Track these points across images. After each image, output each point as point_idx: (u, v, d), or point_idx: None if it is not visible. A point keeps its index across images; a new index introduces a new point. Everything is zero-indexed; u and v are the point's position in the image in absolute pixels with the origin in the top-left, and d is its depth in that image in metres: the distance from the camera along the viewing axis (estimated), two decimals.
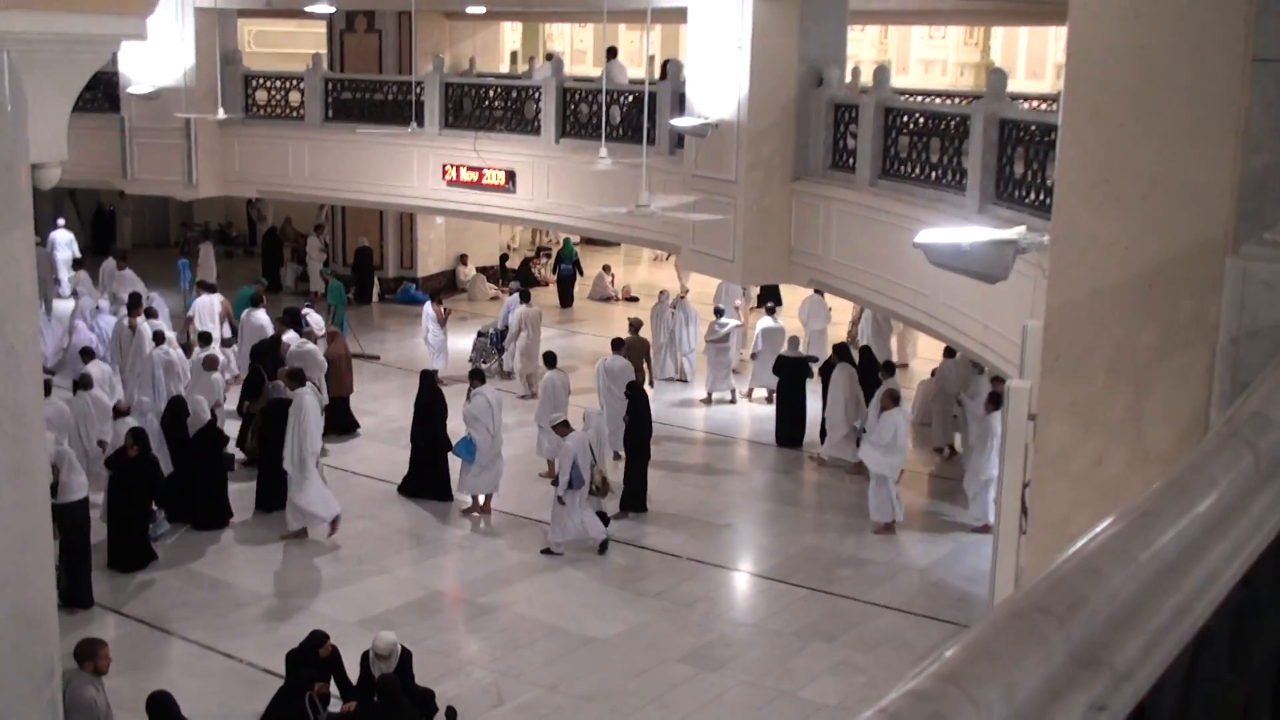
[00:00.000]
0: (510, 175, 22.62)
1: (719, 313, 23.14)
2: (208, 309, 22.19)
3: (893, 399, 16.68)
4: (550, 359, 18.09)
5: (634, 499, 16.70)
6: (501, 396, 17.39)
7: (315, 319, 21.86)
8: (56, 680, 9.06)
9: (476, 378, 17.25)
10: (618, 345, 18.90)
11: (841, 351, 19.35)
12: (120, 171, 25.82)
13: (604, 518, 15.71)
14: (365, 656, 11.39)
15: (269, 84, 25.90)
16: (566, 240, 30.37)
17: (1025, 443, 7.32)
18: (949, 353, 19.55)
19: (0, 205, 8.31)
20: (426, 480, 17.17)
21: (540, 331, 22.49)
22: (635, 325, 20.91)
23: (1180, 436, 5.76)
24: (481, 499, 16.81)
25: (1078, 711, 1.30)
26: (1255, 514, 2.04)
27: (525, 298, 23.36)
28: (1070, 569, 1.45)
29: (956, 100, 21.06)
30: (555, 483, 15.53)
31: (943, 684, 1.25)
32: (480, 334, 24.20)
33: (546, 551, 15.39)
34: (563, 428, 15.53)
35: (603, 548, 15.45)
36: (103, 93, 25.36)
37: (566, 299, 29.90)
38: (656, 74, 21.32)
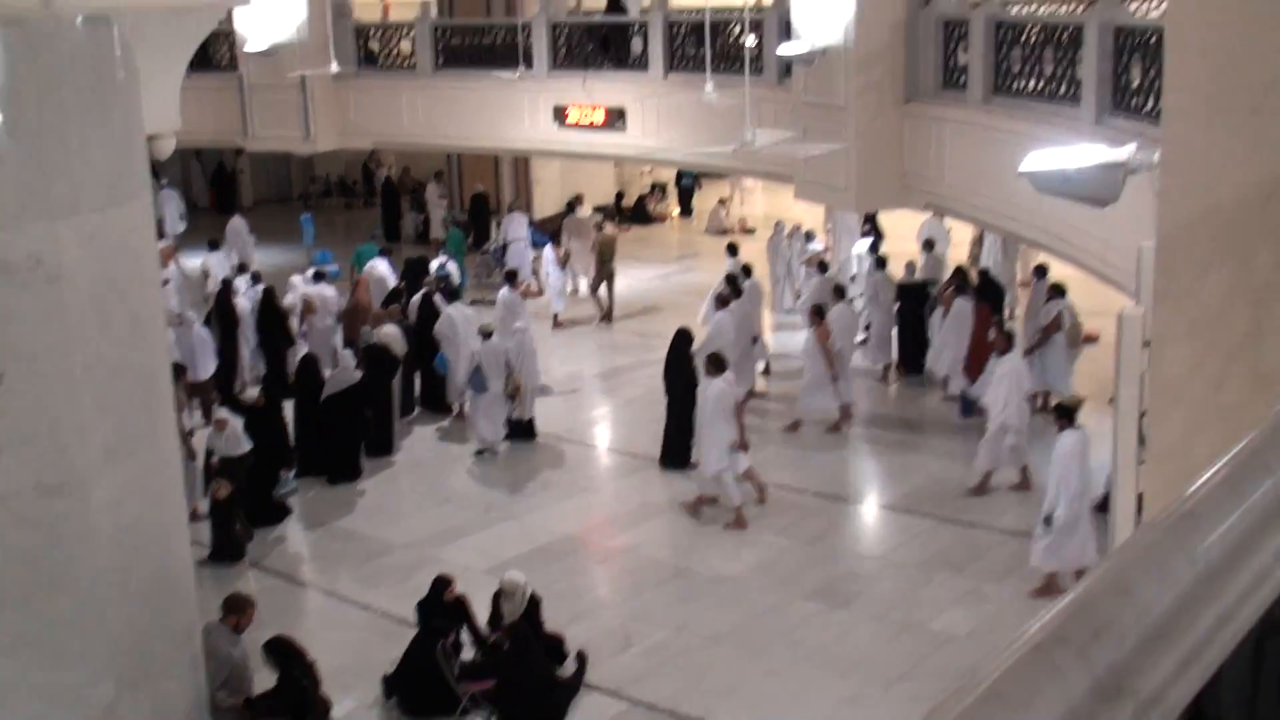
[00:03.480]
0: (619, 112, 22.52)
1: (809, 236, 23.63)
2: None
3: (722, 301, 17.74)
4: (486, 333, 16.89)
5: (671, 456, 15.94)
6: (470, 313, 18.41)
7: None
8: (196, 639, 9.39)
9: (451, 295, 18.42)
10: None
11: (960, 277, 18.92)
12: (241, 129, 26.31)
13: (524, 426, 16.88)
14: (496, 595, 11.64)
15: (380, 34, 26.11)
16: None
17: (1141, 371, 7.11)
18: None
19: (118, 176, 8.51)
20: (430, 391, 18.45)
21: (589, 236, 24.20)
22: (600, 225, 23.93)
23: None
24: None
25: None
26: None
27: (570, 208, 25.56)
28: (1100, 590, 1.37)
29: (1070, 7, 20.35)
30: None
31: None
32: (482, 251, 25.97)
33: (480, 452, 16.62)
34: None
35: (478, 453, 16.62)
36: (221, 52, 25.83)
37: (685, 209, 32.39)
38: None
